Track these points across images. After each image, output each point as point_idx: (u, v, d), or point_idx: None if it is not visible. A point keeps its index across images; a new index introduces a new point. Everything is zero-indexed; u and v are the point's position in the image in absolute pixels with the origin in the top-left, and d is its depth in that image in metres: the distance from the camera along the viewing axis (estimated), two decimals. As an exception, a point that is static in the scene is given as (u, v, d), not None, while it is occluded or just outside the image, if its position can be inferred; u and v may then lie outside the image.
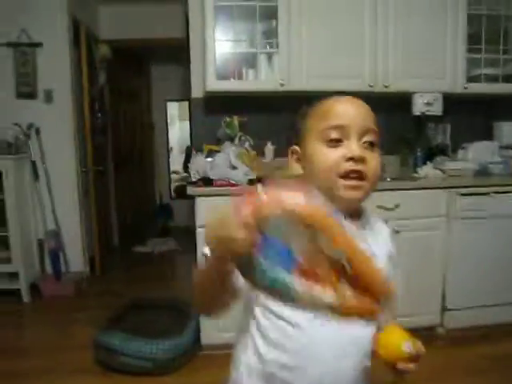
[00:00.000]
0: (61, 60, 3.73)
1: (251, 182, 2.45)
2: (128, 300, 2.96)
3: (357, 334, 0.85)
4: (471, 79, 2.92)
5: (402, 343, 0.83)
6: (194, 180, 2.57)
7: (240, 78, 2.75)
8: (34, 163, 3.69)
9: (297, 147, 0.91)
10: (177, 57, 4.63)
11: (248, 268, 0.61)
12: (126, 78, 5.16)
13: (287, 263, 0.59)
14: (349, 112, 0.85)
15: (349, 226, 0.65)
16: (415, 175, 2.83)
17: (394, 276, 0.95)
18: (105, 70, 4.30)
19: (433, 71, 2.86)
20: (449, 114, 3.01)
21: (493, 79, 2.95)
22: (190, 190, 2.43)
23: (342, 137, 0.83)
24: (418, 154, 3.03)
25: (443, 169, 2.82)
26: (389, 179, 2.85)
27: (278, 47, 2.69)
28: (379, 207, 2.52)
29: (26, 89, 3.67)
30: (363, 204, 0.92)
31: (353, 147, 0.82)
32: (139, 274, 4.26)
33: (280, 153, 2.96)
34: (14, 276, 3.46)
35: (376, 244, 0.87)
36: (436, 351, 2.58)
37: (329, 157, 0.83)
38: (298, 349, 0.84)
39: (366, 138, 0.84)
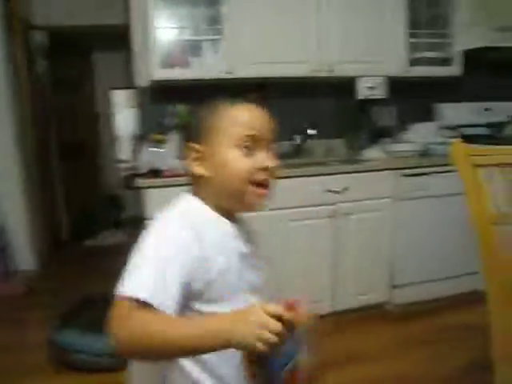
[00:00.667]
0: (-6, 49, 3.54)
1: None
2: (80, 296, 2.89)
3: None
4: (413, 63, 3.00)
5: None
6: (142, 171, 2.53)
7: (185, 66, 2.70)
8: (-30, 159, 3.51)
9: (196, 145, 0.90)
10: (119, 44, 4.48)
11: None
12: (67, 67, 4.94)
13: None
14: (262, 122, 0.89)
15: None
16: (361, 158, 2.90)
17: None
18: (43, 58, 4.12)
19: (376, 56, 2.92)
20: (393, 97, 3.08)
21: (433, 62, 3.05)
22: (139, 182, 2.39)
23: (254, 145, 0.87)
24: (364, 136, 3.10)
25: (388, 151, 2.90)
26: (336, 163, 2.93)
27: (222, 34, 2.66)
28: (328, 191, 2.58)
29: (-42, 81, 3.46)
30: None
31: (265, 158, 0.87)
32: (91, 268, 4.16)
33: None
34: (-44, 278, 3.32)
35: (255, 241, 0.97)
36: (385, 327, 2.70)
37: (244, 164, 0.86)
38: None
39: (270, 149, 0.89)
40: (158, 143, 2.63)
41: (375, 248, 2.76)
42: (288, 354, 0.74)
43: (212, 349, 0.71)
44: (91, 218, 5.40)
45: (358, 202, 2.67)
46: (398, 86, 3.07)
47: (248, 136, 0.86)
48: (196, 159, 0.89)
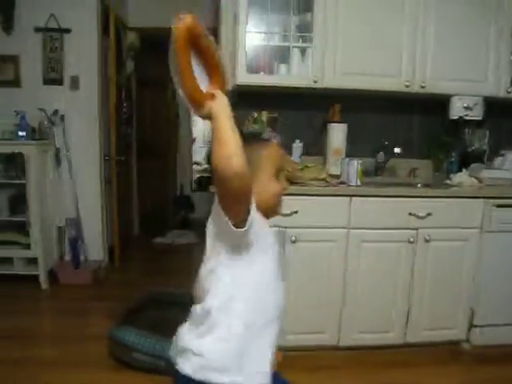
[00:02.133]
0: (88, 47, 3.69)
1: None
2: (146, 294, 2.90)
3: None
4: (515, 83, 2.76)
5: None
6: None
7: (271, 72, 2.64)
8: (57, 150, 3.66)
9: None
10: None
11: None
12: (153, 68, 5.07)
13: None
14: (283, 157, 1.23)
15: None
16: (449, 182, 2.68)
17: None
18: (132, 58, 4.25)
19: (474, 73, 2.70)
20: (488, 119, 2.85)
21: (538, 85, 2.78)
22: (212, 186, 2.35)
23: (280, 174, 1.20)
24: (453, 159, 2.89)
25: (479, 177, 2.67)
26: (420, 185, 2.73)
27: (312, 42, 2.58)
28: (411, 214, 2.41)
29: (53, 75, 3.64)
30: None
31: (285, 183, 1.21)
32: (158, 265, 4.23)
33: (308, 151, 2.87)
34: (32, 262, 3.46)
35: None
36: (461, 368, 2.47)
37: (278, 188, 1.18)
38: None
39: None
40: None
41: (456, 281, 2.54)
42: None
43: None
44: (161, 217, 5.50)
45: (441, 230, 2.47)
46: (496, 108, 2.84)
47: (281, 168, 1.19)
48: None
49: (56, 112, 3.62)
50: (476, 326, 2.60)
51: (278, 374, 1.22)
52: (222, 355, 1.07)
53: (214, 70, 1.03)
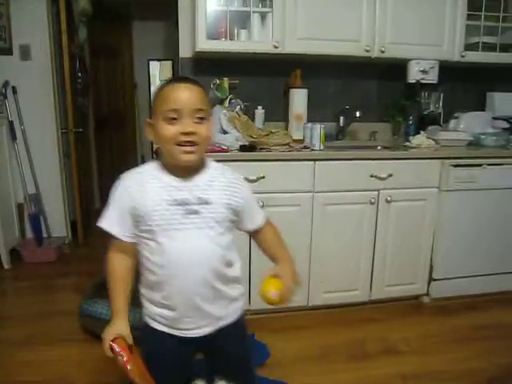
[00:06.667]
0: (37, 13, 3.49)
1: (243, 148, 2.36)
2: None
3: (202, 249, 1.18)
4: (468, 47, 2.84)
5: (269, 291, 1.19)
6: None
7: (232, 38, 2.61)
8: (11, 124, 3.51)
9: (150, 120, 1.20)
10: (159, 13, 4.41)
11: None
12: (107, 36, 4.91)
13: None
14: (182, 98, 1.12)
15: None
16: (407, 144, 2.77)
17: (250, 198, 1.30)
18: (85, 25, 4.06)
19: (431, 38, 2.77)
20: (442, 83, 2.94)
21: (490, 48, 2.87)
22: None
23: (177, 116, 1.11)
24: (410, 122, 2.98)
25: (436, 138, 2.77)
26: (379, 147, 2.82)
27: (272, 6, 2.56)
28: (372, 176, 2.49)
29: (0, 44, 3.44)
30: (208, 162, 1.23)
31: (184, 125, 1.11)
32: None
33: (271, 117, 2.88)
34: (-8, 241, 3.35)
35: (210, 191, 1.18)
36: (422, 320, 2.62)
37: (169, 131, 1.12)
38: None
39: (196, 116, 1.13)
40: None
41: (416, 238, 2.66)
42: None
43: None
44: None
45: (402, 190, 2.56)
46: (450, 72, 2.93)
47: (170, 110, 1.11)
48: (149, 130, 1.20)
49: (6, 83, 3.45)
50: (435, 280, 2.75)
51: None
52: None
53: None
